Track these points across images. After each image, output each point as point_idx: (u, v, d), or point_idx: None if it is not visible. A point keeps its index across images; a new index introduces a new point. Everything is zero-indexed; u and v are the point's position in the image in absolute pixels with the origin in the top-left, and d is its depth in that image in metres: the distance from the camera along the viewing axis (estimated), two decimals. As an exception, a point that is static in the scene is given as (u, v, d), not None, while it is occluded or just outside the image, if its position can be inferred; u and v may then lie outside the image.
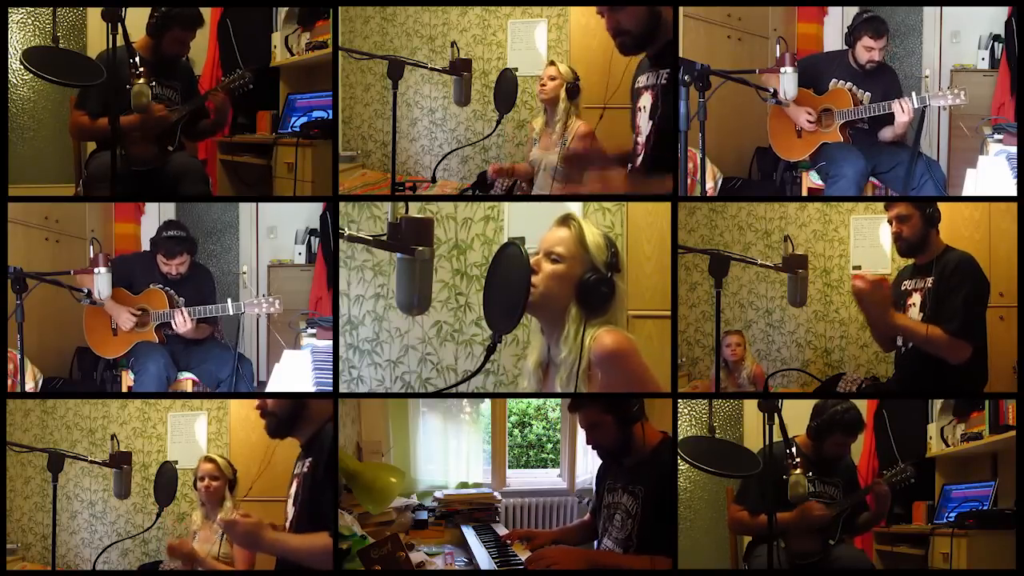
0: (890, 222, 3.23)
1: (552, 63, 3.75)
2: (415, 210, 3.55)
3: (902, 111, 3.58)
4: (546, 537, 3.31)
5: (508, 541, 3.24)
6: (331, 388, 3.35)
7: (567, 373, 2.22)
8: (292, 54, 4.57)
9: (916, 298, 3.21)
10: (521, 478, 4.61)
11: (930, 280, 3.17)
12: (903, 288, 3.29)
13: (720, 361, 3.45)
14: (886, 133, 3.74)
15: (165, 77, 3.70)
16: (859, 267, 4.51)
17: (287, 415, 2.56)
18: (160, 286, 3.94)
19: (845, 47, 3.81)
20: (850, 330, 4.51)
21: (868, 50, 3.71)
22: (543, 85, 3.73)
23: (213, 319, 3.96)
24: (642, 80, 2.85)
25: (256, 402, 2.60)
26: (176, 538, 3.57)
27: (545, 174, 3.64)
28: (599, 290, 2.22)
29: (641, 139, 2.85)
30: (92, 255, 3.52)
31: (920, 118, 3.68)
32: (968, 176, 3.51)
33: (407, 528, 3.57)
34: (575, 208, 3.79)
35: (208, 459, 3.60)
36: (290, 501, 2.62)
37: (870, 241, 4.46)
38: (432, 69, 3.96)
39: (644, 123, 2.82)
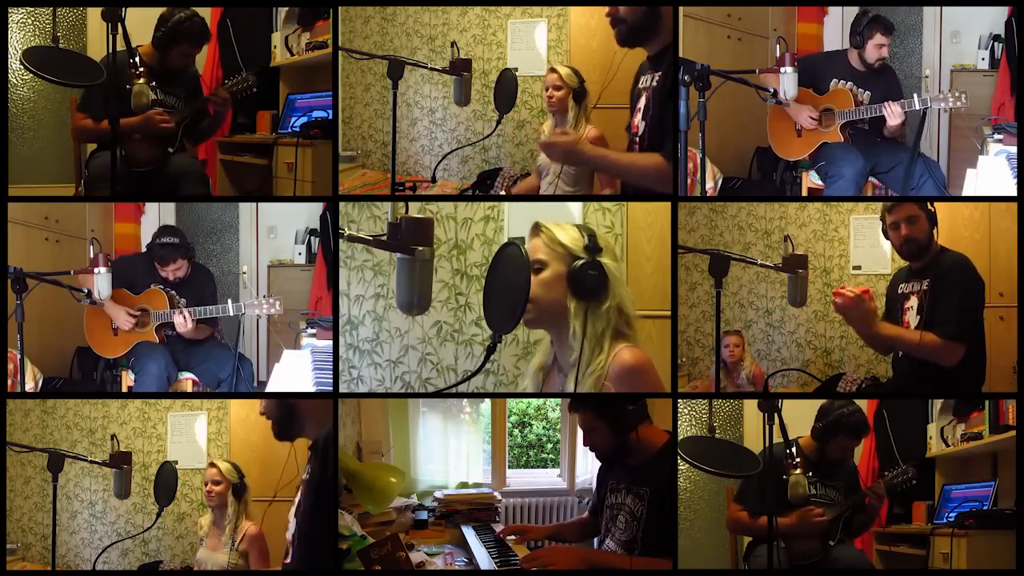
0: (896, 225, 3.16)
1: (553, 70, 3.61)
2: (415, 210, 3.55)
3: (891, 114, 3.59)
4: (540, 532, 3.32)
5: (502, 536, 3.24)
6: (331, 388, 3.35)
7: (582, 373, 2.21)
8: (292, 54, 4.57)
9: (913, 301, 3.19)
10: (521, 478, 4.62)
11: (926, 283, 3.15)
12: (900, 291, 3.27)
13: (720, 361, 3.45)
14: (885, 130, 3.75)
15: (169, 84, 3.70)
16: (859, 267, 4.52)
17: (288, 416, 2.51)
18: (161, 287, 3.94)
19: (850, 48, 3.81)
20: (850, 330, 4.49)
21: (879, 47, 3.72)
22: (550, 97, 3.60)
23: (213, 319, 3.96)
24: (644, 82, 2.86)
25: (259, 406, 2.55)
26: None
27: (554, 178, 3.63)
28: (587, 274, 2.22)
29: (636, 139, 2.86)
30: (92, 255, 3.52)
31: (921, 120, 3.68)
32: (968, 176, 3.51)
33: (407, 528, 3.57)
34: (575, 208, 3.80)
35: (212, 464, 3.61)
36: (292, 510, 2.56)
37: (870, 241, 4.46)
38: (432, 69, 3.96)
39: (640, 125, 2.82)
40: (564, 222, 2.32)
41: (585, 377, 2.20)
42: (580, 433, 4.29)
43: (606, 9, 2.75)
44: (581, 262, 2.23)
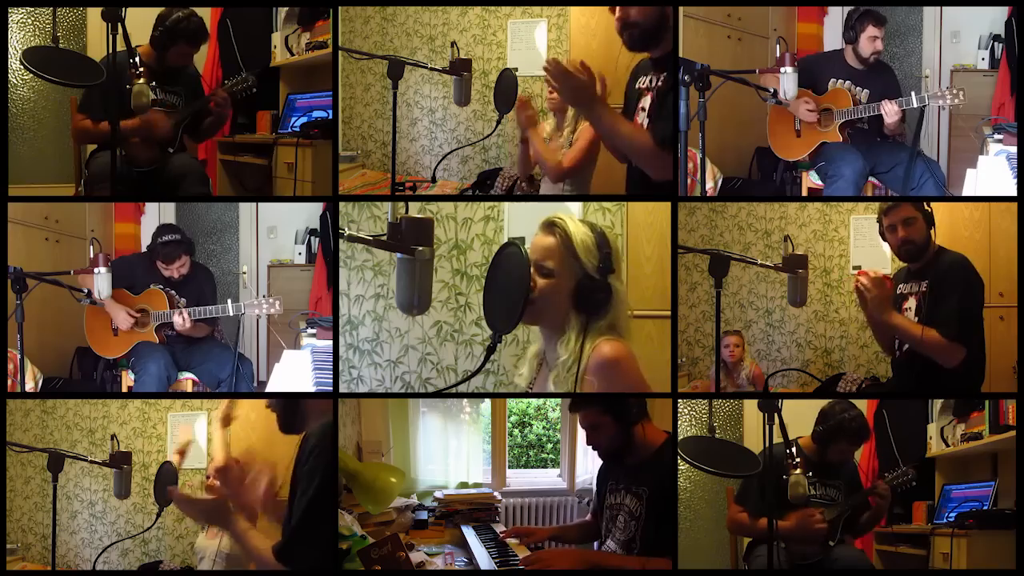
0: (893, 227, 3.16)
1: None
2: (415, 210, 3.53)
3: (887, 113, 3.58)
4: (544, 534, 3.32)
5: (504, 537, 3.24)
6: (331, 388, 3.35)
7: (563, 375, 2.21)
8: (292, 54, 4.57)
9: (912, 302, 3.19)
10: (521, 478, 4.61)
11: (924, 284, 3.15)
12: (898, 292, 3.26)
13: (720, 361, 3.45)
14: (885, 128, 3.76)
15: (168, 84, 3.70)
16: (859, 267, 4.52)
17: (292, 408, 2.50)
18: (161, 287, 3.94)
19: (845, 45, 3.81)
20: (850, 330, 4.51)
21: (873, 40, 3.71)
22: (551, 92, 3.60)
23: (213, 319, 3.96)
24: (643, 82, 2.86)
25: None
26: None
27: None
28: (596, 297, 2.20)
29: None
30: (92, 255, 3.52)
31: (919, 118, 3.68)
32: (968, 176, 3.51)
33: (407, 528, 3.57)
34: (575, 208, 3.79)
35: None
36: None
37: (870, 241, 4.46)
38: (432, 69, 3.96)
39: (643, 123, 2.83)
40: (578, 218, 2.27)
41: (568, 375, 2.20)
42: (581, 433, 4.31)
43: (606, 9, 2.76)
44: (591, 284, 2.19)
